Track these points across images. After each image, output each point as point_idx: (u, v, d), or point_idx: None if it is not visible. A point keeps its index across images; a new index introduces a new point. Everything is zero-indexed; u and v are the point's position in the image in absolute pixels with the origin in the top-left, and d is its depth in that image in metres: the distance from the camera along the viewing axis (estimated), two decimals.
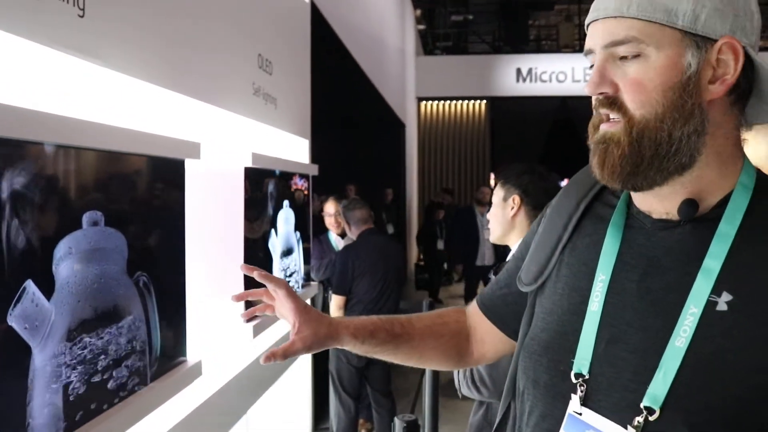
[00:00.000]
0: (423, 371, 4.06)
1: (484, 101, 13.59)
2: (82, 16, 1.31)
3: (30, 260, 1.13)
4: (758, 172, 0.97)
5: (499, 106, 13.48)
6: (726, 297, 0.88)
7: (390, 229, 9.12)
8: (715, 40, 0.91)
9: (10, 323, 1.07)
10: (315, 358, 3.74)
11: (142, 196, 1.52)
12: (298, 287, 3.04)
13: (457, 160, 13.73)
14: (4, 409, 1.07)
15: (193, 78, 1.91)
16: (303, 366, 3.50)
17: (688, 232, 0.94)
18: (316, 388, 3.84)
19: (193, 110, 1.93)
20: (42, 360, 1.15)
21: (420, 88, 13.30)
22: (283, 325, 2.95)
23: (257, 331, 2.35)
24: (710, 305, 0.89)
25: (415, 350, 1.27)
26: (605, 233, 1.03)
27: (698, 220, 0.94)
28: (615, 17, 0.93)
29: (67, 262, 1.23)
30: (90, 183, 1.31)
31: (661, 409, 0.87)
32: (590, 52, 0.98)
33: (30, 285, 1.12)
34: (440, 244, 9.52)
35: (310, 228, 3.35)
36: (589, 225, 1.07)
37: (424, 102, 13.71)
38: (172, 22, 1.76)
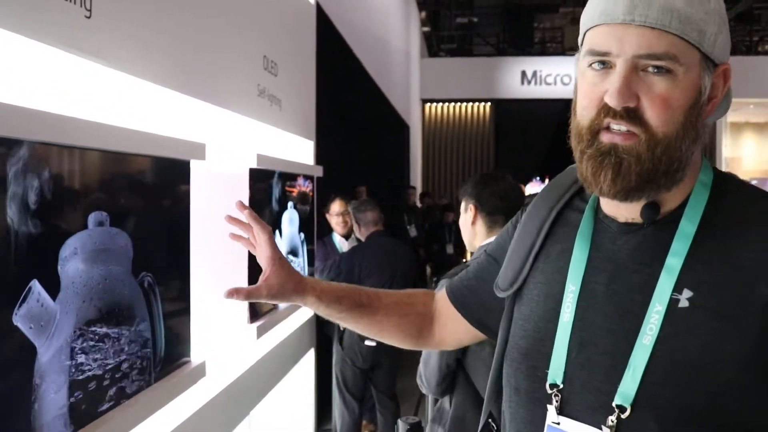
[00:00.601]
0: None
1: (489, 103, 13.60)
2: (89, 17, 1.31)
3: (36, 260, 1.13)
4: (715, 170, 0.99)
5: (504, 108, 13.48)
6: (687, 294, 0.90)
7: (413, 232, 8.74)
8: (717, 65, 0.94)
9: (15, 323, 1.07)
10: (319, 359, 3.75)
11: (148, 196, 1.53)
12: None
13: (462, 163, 13.74)
14: (9, 409, 1.07)
15: (198, 79, 1.92)
16: (306, 367, 3.50)
17: (651, 233, 0.96)
18: (319, 389, 3.84)
19: (198, 111, 1.94)
20: (47, 360, 1.16)
21: (424, 90, 13.31)
22: (288, 326, 2.95)
23: (261, 332, 2.35)
24: (673, 302, 0.91)
25: (377, 323, 1.31)
26: (575, 239, 1.04)
27: (661, 222, 0.96)
28: (653, 28, 0.88)
29: (72, 262, 1.23)
30: (96, 183, 1.31)
31: (632, 406, 0.89)
32: (606, 54, 0.92)
33: (35, 285, 1.12)
34: (450, 249, 9.34)
35: (315, 229, 3.35)
36: (560, 232, 1.08)
37: (428, 104, 13.73)
38: (178, 24, 1.77)
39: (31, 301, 1.11)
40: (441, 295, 1.33)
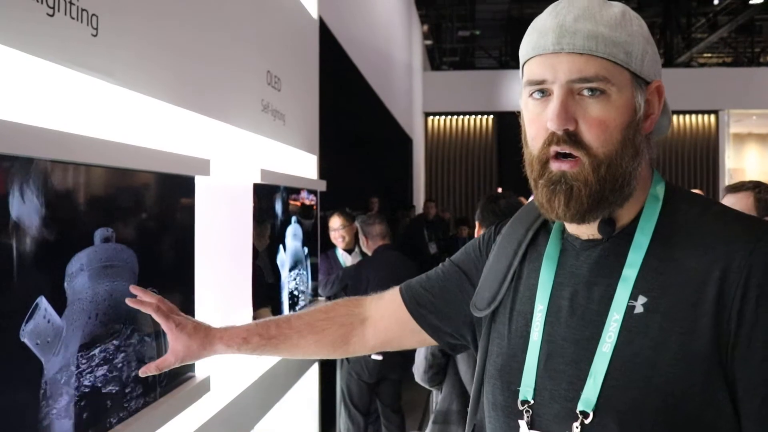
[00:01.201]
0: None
1: (491, 116, 13.63)
2: (95, 36, 1.33)
3: (42, 276, 1.14)
4: (667, 184, 1.06)
5: (507, 121, 13.50)
6: (641, 300, 0.96)
7: (433, 249, 8.50)
8: (649, 83, 1.00)
9: (22, 339, 1.08)
10: (322, 373, 3.74)
11: (153, 212, 1.54)
12: (306, 303, 3.05)
13: (465, 175, 13.75)
14: (16, 424, 1.08)
15: (203, 95, 1.93)
16: (310, 381, 3.50)
17: (609, 248, 1.02)
18: (323, 403, 3.84)
19: (203, 127, 1.95)
20: (53, 375, 1.16)
21: (427, 103, 13.35)
22: None
23: None
24: (629, 310, 0.96)
25: (295, 347, 1.34)
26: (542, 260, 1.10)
27: (617, 236, 1.02)
28: (582, 54, 0.95)
29: (79, 278, 1.24)
30: (102, 200, 1.32)
31: (594, 411, 0.94)
32: (542, 82, 0.98)
33: (42, 301, 1.13)
34: None
35: (318, 243, 3.36)
36: (533, 252, 1.14)
37: (431, 117, 13.76)
38: (183, 41, 1.78)
39: (37, 317, 1.12)
40: (389, 297, 1.34)
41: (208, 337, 1.28)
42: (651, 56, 1.00)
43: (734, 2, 12.84)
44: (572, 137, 0.96)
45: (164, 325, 1.25)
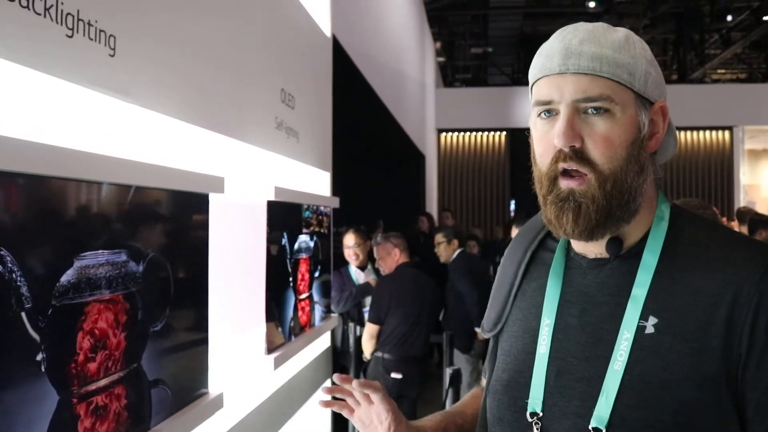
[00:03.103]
0: (444, 403, 4.02)
1: (504, 133, 13.63)
2: (112, 56, 1.35)
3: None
4: (673, 205, 1.08)
5: (519, 137, 13.49)
6: (652, 320, 0.98)
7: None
8: (652, 103, 1.03)
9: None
10: None
11: (167, 229, 1.55)
12: (319, 320, 3.05)
13: (477, 192, 13.74)
14: None
15: (217, 113, 1.95)
16: (323, 398, 3.49)
17: (617, 267, 1.04)
18: (335, 420, 3.82)
19: (217, 145, 1.97)
20: (65, 392, 1.17)
21: (440, 120, 13.39)
22: (305, 357, 2.95)
23: (278, 363, 2.35)
24: (640, 329, 0.98)
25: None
26: (548, 277, 1.12)
27: (625, 256, 1.05)
28: (587, 74, 0.99)
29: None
30: (116, 217, 1.34)
31: (607, 428, 0.96)
32: (549, 102, 1.02)
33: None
34: None
35: (331, 260, 3.36)
36: (535, 270, 1.16)
37: (443, 134, 13.78)
38: (198, 60, 1.81)
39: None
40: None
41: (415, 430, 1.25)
42: (654, 77, 1.03)
43: (747, 18, 12.82)
44: (578, 154, 0.99)
45: (391, 409, 1.22)
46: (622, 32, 1.04)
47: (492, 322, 1.19)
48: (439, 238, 5.60)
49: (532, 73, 1.07)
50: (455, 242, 5.53)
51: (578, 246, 1.09)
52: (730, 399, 0.93)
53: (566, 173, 1.00)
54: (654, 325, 0.97)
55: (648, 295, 0.99)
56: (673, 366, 0.95)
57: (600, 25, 1.04)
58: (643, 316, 0.98)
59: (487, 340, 1.25)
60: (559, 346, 1.05)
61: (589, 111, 0.99)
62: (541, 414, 1.03)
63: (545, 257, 1.16)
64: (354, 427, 4.20)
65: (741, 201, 12.96)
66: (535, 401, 1.04)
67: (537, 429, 1.03)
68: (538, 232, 1.20)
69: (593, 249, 1.06)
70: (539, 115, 1.05)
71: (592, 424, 0.97)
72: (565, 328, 1.05)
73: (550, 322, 1.07)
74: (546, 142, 1.03)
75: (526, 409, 1.05)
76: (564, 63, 1.00)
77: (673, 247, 1.02)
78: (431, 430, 1.27)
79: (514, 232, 5.47)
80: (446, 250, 5.52)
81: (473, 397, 1.38)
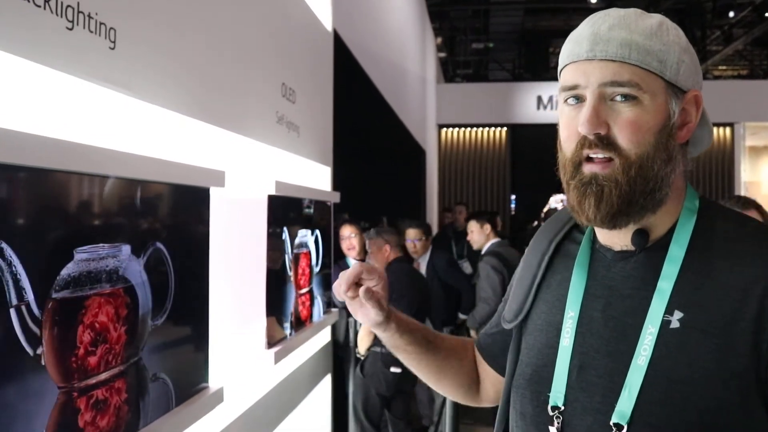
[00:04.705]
0: (444, 401, 4.03)
1: (505, 129, 13.61)
2: (113, 49, 1.34)
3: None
4: (702, 197, 1.06)
5: (520, 133, 13.49)
6: (678, 315, 0.95)
7: (467, 269, 7.02)
8: (685, 92, 1.00)
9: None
10: (335, 385, 3.74)
11: (168, 223, 1.55)
12: (319, 315, 3.05)
13: (478, 188, 13.72)
14: None
15: (218, 107, 1.95)
16: (323, 392, 3.49)
17: (642, 259, 1.02)
18: (335, 414, 3.83)
19: (218, 139, 1.97)
20: (66, 385, 1.17)
21: (440, 115, 13.36)
22: (306, 352, 2.95)
23: (279, 357, 2.35)
24: (665, 324, 0.95)
25: (437, 364, 1.31)
26: (573, 269, 1.09)
27: (651, 248, 1.02)
28: (615, 61, 0.96)
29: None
30: (116, 211, 1.33)
31: (629, 424, 0.94)
32: (575, 87, 1.00)
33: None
34: None
35: (332, 254, 3.36)
36: (560, 262, 1.14)
37: (444, 129, 13.76)
38: (199, 54, 1.80)
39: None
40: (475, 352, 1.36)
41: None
42: (688, 65, 1.00)
43: (749, 15, 12.79)
44: (604, 141, 0.97)
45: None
46: (655, 18, 1.01)
47: (513, 313, 1.17)
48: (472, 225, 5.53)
49: (561, 58, 1.05)
50: (487, 227, 5.43)
51: (603, 238, 1.07)
52: (758, 398, 0.90)
53: (590, 160, 0.98)
54: (679, 320, 0.95)
55: (674, 288, 0.96)
56: (698, 362, 0.92)
57: (632, 11, 1.01)
58: (669, 310, 0.96)
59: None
60: (582, 340, 1.03)
61: (617, 98, 0.97)
62: (562, 408, 1.01)
63: (570, 249, 1.13)
64: (355, 426, 4.21)
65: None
66: (557, 395, 1.02)
67: (558, 423, 1.01)
68: (564, 223, 1.17)
69: (618, 241, 1.04)
70: (566, 101, 1.02)
71: (614, 419, 0.95)
72: (589, 322, 1.03)
73: (574, 315, 1.05)
74: (571, 129, 1.01)
75: (548, 403, 1.03)
76: (592, 49, 0.98)
77: (701, 240, 0.99)
78: (397, 318, 1.25)
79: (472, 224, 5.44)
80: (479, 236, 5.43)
81: (463, 341, 1.37)
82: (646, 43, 0.97)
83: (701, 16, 13.69)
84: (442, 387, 1.35)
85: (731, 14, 13.09)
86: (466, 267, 6.71)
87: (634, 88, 0.96)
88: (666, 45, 0.98)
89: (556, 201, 11.69)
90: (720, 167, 13.65)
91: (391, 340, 1.27)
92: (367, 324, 1.23)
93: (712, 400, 0.90)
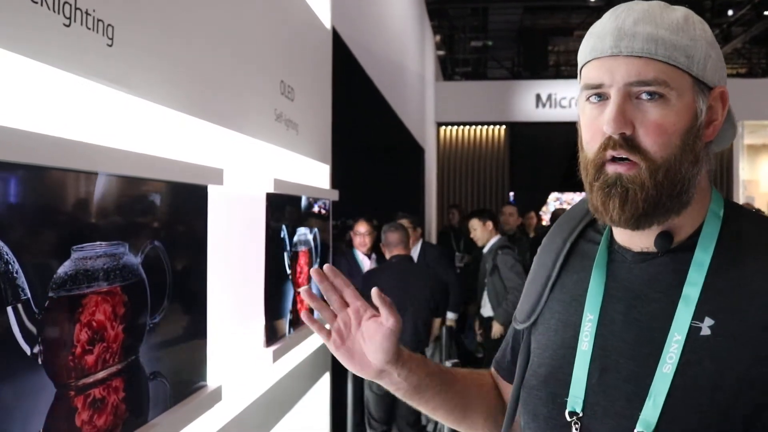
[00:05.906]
0: None
1: (504, 126, 13.60)
2: (110, 45, 1.33)
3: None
4: (726, 200, 1.02)
5: (519, 131, 13.48)
6: (708, 322, 0.92)
7: (458, 260, 7.83)
8: (711, 88, 0.97)
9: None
10: (334, 383, 3.73)
11: (166, 222, 1.54)
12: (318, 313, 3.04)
13: (476, 185, 13.72)
14: None
15: (217, 105, 1.94)
16: (321, 391, 3.49)
17: (666, 262, 0.98)
18: (334, 413, 3.83)
19: (216, 136, 1.96)
20: (63, 384, 1.16)
21: (439, 113, 13.34)
22: (304, 350, 2.95)
23: (277, 355, 2.35)
24: (694, 331, 0.92)
25: (460, 395, 1.23)
26: (591, 269, 1.05)
27: (674, 251, 0.99)
28: (641, 57, 0.92)
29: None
30: (114, 209, 1.33)
31: None
32: (599, 86, 0.96)
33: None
34: None
35: (330, 252, 3.36)
36: (576, 262, 1.10)
37: (443, 127, 13.75)
38: (197, 51, 1.79)
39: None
40: (493, 375, 1.30)
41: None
42: (714, 60, 0.97)
43: (748, 13, 12.79)
44: (629, 142, 0.93)
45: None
46: (681, 11, 0.97)
47: (526, 314, 1.13)
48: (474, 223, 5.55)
49: (582, 54, 1.01)
50: (489, 224, 5.48)
51: (622, 238, 1.04)
52: None
53: (614, 160, 0.95)
54: (710, 327, 0.91)
55: (702, 295, 0.93)
56: (729, 370, 0.89)
57: (656, 4, 0.97)
58: (698, 317, 0.92)
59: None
60: (603, 343, 0.99)
61: (642, 96, 0.93)
62: (581, 414, 0.98)
63: (586, 249, 1.10)
64: (352, 423, 4.20)
65: (740, 196, 12.94)
66: (575, 399, 0.99)
67: (576, 429, 0.98)
68: (578, 222, 1.13)
69: (639, 242, 1.01)
70: (588, 99, 0.99)
71: (639, 427, 0.92)
72: (610, 325, 1.00)
73: (593, 318, 1.01)
74: (594, 128, 0.97)
75: (565, 407, 1.00)
76: (616, 45, 0.94)
77: (727, 244, 0.96)
78: (414, 355, 1.18)
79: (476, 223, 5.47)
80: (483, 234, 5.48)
81: (476, 373, 1.30)
82: (673, 38, 0.93)
83: (700, 14, 13.65)
84: (471, 422, 1.25)
85: (730, 12, 13.10)
86: (458, 258, 7.71)
87: (661, 85, 0.92)
88: (693, 40, 0.94)
89: (553, 199, 11.72)
90: (718, 165, 13.64)
91: (409, 378, 1.17)
92: (377, 364, 1.13)
93: (742, 408, 0.88)
